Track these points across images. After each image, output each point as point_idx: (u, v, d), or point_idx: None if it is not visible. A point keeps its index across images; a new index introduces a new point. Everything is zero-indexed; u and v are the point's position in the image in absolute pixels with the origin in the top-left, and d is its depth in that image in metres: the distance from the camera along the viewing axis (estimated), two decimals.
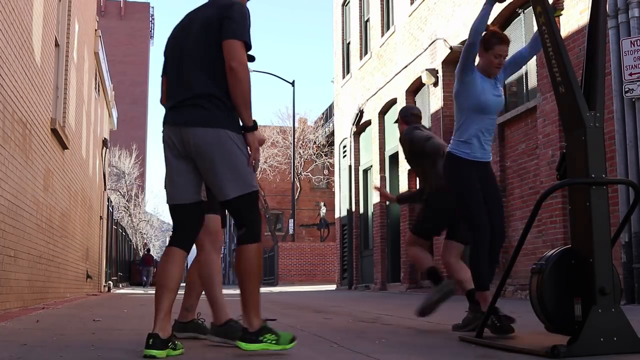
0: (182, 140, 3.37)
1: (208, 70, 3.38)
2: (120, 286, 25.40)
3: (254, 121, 3.40)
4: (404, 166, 13.86)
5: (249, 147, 3.40)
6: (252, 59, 3.46)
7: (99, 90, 17.08)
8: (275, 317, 5.91)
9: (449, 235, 5.31)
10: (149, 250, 39.50)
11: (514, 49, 10.83)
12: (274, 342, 3.34)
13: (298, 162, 34.71)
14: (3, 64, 6.39)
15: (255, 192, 3.44)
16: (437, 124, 12.32)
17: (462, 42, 11.54)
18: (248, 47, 3.36)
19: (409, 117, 5.57)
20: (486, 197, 4.51)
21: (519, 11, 10.08)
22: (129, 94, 74.28)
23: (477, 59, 4.61)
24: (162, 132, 3.51)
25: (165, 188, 3.67)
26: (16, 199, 7.04)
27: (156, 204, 78.69)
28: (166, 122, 3.49)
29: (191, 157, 3.39)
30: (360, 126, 17.09)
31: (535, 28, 3.91)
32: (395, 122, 5.79)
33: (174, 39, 3.61)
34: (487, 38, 4.59)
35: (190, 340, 4.23)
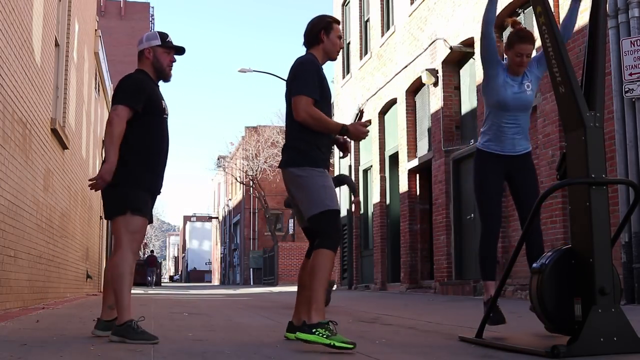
0: None
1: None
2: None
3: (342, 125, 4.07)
4: (404, 166, 13.87)
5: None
6: (181, 50, 4.34)
7: (99, 90, 17.08)
8: (275, 317, 5.91)
9: None
10: (152, 251, 40.77)
11: None
12: (324, 336, 3.63)
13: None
14: (3, 64, 6.39)
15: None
16: (437, 124, 12.32)
17: (462, 42, 11.55)
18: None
19: None
20: (519, 190, 4.56)
21: (519, 11, 10.07)
22: None
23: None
24: None
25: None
26: (16, 199, 7.04)
27: (156, 204, 78.55)
28: None
29: None
30: None
31: (536, 28, 3.91)
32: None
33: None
34: (509, 36, 4.57)
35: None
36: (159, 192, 4.36)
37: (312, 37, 4.23)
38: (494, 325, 4.20)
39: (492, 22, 4.55)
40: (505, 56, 4.62)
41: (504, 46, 4.53)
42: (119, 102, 4.13)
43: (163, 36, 4.37)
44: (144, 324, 4.33)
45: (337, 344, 3.58)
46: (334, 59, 4.31)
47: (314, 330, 3.66)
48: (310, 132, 4.01)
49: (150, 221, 4.37)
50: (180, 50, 4.43)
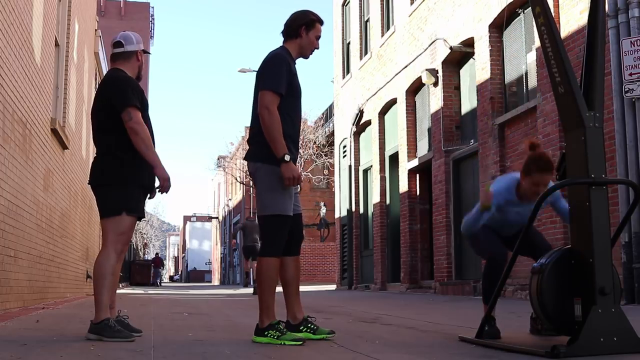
0: None
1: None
2: (120, 286, 25.40)
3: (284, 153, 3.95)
4: (404, 166, 13.87)
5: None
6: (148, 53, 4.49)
7: None
8: (275, 317, 5.89)
9: None
10: (157, 253, 42.60)
11: (513, 48, 10.85)
12: (275, 337, 3.92)
13: (298, 162, 34.70)
14: (3, 64, 6.39)
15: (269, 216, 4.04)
16: (437, 124, 12.32)
17: (462, 42, 11.55)
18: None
19: None
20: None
21: (519, 11, 10.07)
22: None
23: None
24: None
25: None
26: (16, 199, 7.04)
27: (156, 204, 78.70)
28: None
29: None
30: (360, 126, 17.09)
31: (536, 28, 3.90)
32: None
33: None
34: (527, 162, 4.11)
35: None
36: (154, 186, 4.36)
37: (291, 30, 4.22)
38: (489, 339, 4.06)
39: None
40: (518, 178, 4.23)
41: (521, 170, 4.14)
42: (127, 105, 4.14)
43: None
44: (144, 325, 4.35)
45: (287, 342, 3.88)
46: (306, 57, 4.30)
47: (265, 332, 3.96)
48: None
49: (142, 216, 4.41)
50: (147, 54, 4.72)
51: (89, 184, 4.32)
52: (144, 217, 4.53)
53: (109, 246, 4.13)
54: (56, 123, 9.44)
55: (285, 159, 3.93)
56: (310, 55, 4.32)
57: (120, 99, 4.17)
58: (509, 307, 5.46)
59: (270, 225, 4.02)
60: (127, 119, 4.11)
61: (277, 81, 3.99)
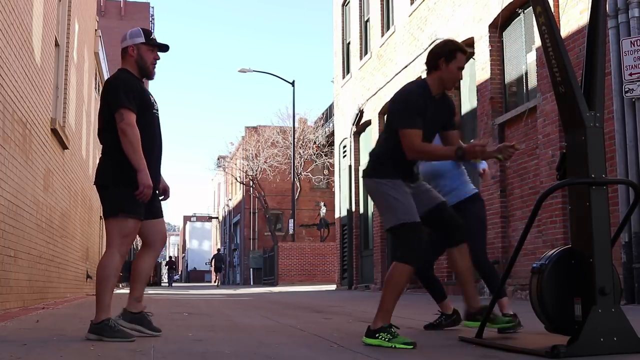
0: None
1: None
2: (120, 286, 25.39)
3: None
4: None
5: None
6: (165, 48, 4.34)
7: (99, 90, 17.08)
8: (275, 317, 5.90)
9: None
10: (170, 257, 45.84)
11: (513, 48, 10.85)
12: (387, 339, 3.84)
13: (298, 162, 34.68)
14: (3, 64, 6.39)
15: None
16: None
17: (462, 42, 11.52)
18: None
19: None
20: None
21: (519, 11, 10.07)
22: None
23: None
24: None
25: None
26: (16, 199, 7.04)
27: None
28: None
29: None
30: (360, 126, 17.09)
31: (536, 28, 3.90)
32: None
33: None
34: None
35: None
36: (157, 188, 4.34)
37: (430, 63, 4.17)
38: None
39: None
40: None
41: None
42: (119, 106, 4.07)
43: (147, 33, 4.32)
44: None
45: (397, 345, 3.78)
46: (448, 89, 4.23)
47: (377, 335, 3.88)
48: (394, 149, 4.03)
49: (157, 216, 4.38)
50: (164, 48, 4.38)
51: (94, 184, 4.33)
52: (162, 216, 4.48)
53: (113, 248, 4.11)
54: (56, 123, 9.44)
55: (460, 149, 4.04)
56: (453, 86, 4.27)
57: (113, 100, 4.13)
58: (508, 307, 5.45)
59: (399, 235, 4.03)
60: (118, 120, 4.07)
61: (411, 119, 3.96)
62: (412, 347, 3.77)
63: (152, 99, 4.34)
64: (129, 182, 4.07)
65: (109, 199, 4.15)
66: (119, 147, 4.10)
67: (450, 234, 4.26)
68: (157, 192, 4.37)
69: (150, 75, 4.36)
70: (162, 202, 4.55)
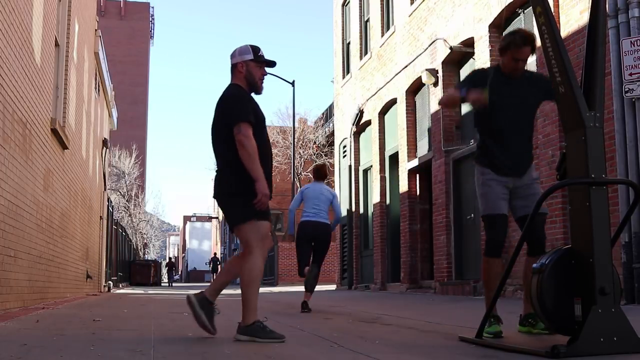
0: None
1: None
2: (120, 286, 25.40)
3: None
4: (404, 166, 13.87)
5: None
6: (272, 64, 4.48)
7: (99, 90, 17.08)
8: (275, 317, 5.90)
9: None
10: (170, 258, 47.83)
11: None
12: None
13: (298, 162, 34.70)
14: (3, 64, 6.39)
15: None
16: (437, 124, 12.32)
17: (462, 42, 11.55)
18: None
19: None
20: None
21: (519, 11, 10.07)
22: (129, 94, 74.23)
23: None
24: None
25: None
26: (16, 199, 7.04)
27: (156, 203, 78.72)
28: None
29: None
30: (360, 126, 17.08)
31: (536, 28, 3.90)
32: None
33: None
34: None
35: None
36: (270, 196, 4.44)
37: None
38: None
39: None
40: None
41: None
42: (238, 119, 4.21)
43: (255, 50, 4.46)
44: (144, 325, 4.35)
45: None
46: (513, 77, 4.39)
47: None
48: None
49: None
50: (271, 64, 4.52)
51: (213, 197, 4.46)
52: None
53: (255, 251, 4.22)
54: (56, 123, 9.44)
55: None
56: (513, 72, 4.40)
57: (230, 114, 4.28)
58: (509, 307, 5.45)
59: (485, 226, 4.36)
60: (236, 133, 4.20)
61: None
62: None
63: (261, 112, 4.48)
64: (251, 190, 4.18)
65: (240, 206, 4.25)
66: (235, 157, 4.22)
67: (533, 245, 4.36)
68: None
69: (258, 90, 4.49)
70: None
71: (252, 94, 4.46)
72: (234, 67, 4.45)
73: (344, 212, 18.22)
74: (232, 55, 4.49)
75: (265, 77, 4.48)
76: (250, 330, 4.13)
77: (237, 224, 4.27)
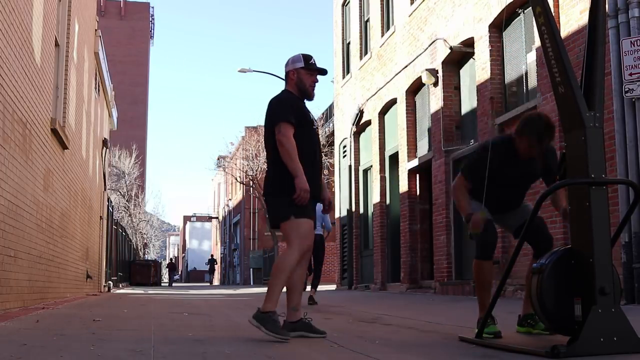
0: None
1: None
2: (120, 286, 25.40)
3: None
4: (403, 166, 13.86)
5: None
6: (323, 72, 4.67)
7: (99, 90, 17.07)
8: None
9: None
10: (171, 259, 48.02)
11: (513, 48, 10.84)
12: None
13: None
14: (3, 64, 6.39)
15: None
16: (437, 124, 12.32)
17: (462, 42, 11.55)
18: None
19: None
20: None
21: (519, 11, 10.07)
22: (129, 94, 74.20)
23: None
24: None
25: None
26: (16, 199, 7.04)
27: (156, 204, 78.74)
28: None
29: None
30: (360, 126, 17.08)
31: (536, 28, 3.90)
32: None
33: None
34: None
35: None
36: (317, 197, 4.57)
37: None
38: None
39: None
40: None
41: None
42: (279, 120, 4.41)
43: (306, 58, 4.66)
44: (144, 325, 4.34)
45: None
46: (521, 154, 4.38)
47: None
48: None
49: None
50: (323, 72, 4.72)
51: (262, 195, 4.66)
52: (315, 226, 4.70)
53: (293, 247, 4.36)
54: (56, 123, 9.44)
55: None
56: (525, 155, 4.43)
57: (271, 115, 4.51)
58: (509, 307, 5.46)
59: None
60: (276, 132, 4.40)
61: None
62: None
63: (311, 116, 4.65)
64: (292, 188, 4.31)
65: (281, 205, 4.40)
66: (280, 158, 4.38)
67: (540, 250, 4.37)
68: (316, 200, 4.59)
69: (310, 97, 4.70)
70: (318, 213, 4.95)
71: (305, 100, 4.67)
72: (286, 75, 4.68)
73: (344, 212, 18.24)
74: (286, 64, 4.71)
75: (316, 84, 4.68)
76: (262, 318, 4.21)
77: (278, 222, 4.44)
